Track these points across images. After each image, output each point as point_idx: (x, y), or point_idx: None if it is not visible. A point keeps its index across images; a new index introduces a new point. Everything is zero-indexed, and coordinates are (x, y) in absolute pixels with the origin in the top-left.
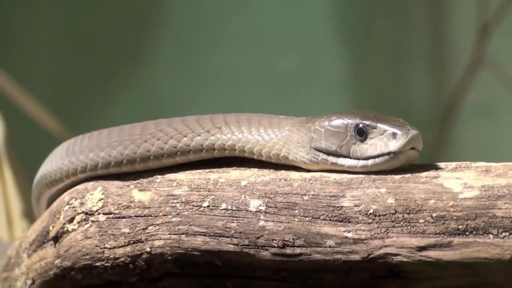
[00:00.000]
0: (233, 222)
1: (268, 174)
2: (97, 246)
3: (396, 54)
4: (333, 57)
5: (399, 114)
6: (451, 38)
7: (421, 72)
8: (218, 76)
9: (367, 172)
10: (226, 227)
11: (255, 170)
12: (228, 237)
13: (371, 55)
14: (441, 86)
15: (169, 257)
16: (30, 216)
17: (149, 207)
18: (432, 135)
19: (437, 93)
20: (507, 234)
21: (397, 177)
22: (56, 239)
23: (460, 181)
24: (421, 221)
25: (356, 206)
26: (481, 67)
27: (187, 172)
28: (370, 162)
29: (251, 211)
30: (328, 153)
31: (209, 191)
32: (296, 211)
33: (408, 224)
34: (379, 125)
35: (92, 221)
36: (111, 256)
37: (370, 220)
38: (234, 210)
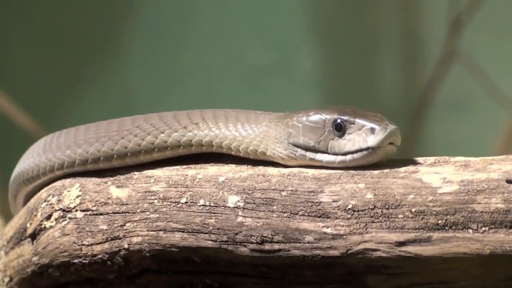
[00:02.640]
0: (211, 218)
1: (246, 170)
2: (74, 243)
3: (368, 48)
4: (305, 52)
5: (371, 109)
6: (423, 32)
7: (393, 66)
8: (190, 70)
9: (346, 167)
10: (204, 223)
11: (233, 166)
12: (206, 233)
13: (343, 49)
14: (413, 81)
15: (147, 254)
16: (5, 213)
17: (127, 204)
18: (405, 129)
19: (409, 88)
20: (487, 229)
21: (376, 172)
22: (34, 236)
23: (439, 176)
24: (400, 216)
25: (334, 201)
26: (453, 61)
27: (165, 168)
28: (348, 157)
29: (229, 207)
30: (306, 148)
31: (187, 187)
32: (275, 207)
33: (387, 219)
34: (357, 120)
35: (70, 218)
36: (89, 253)
37: (349, 216)
38: (212, 206)
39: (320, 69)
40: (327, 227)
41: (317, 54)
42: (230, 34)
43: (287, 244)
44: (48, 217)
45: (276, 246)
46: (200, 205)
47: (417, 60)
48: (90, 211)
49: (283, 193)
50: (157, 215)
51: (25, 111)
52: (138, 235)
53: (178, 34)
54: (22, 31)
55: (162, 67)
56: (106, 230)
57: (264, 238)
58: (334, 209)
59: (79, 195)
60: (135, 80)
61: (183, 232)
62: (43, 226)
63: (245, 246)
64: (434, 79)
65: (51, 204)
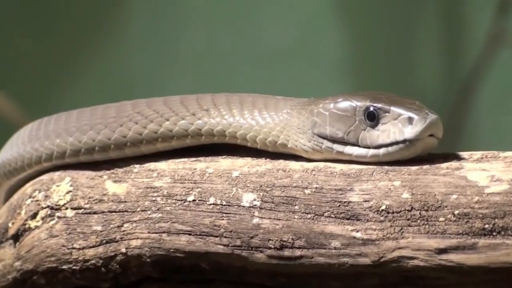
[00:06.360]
0: (223, 219)
1: (263, 164)
2: (64, 246)
3: (404, 29)
4: (331, 33)
5: (408, 95)
6: (467, 11)
7: (432, 50)
8: (198, 52)
9: (379, 162)
10: (215, 225)
11: (248, 159)
12: (216, 236)
13: (375, 30)
14: (456, 65)
15: (148, 259)
16: None
17: (125, 201)
18: (447, 119)
19: (451, 73)
20: None
21: (414, 168)
22: (16, 237)
23: (486, 173)
24: (441, 219)
25: (366, 201)
26: (500, 46)
27: (170, 161)
28: (382, 151)
29: (243, 206)
30: (334, 140)
31: (195, 183)
32: (296, 207)
33: (426, 222)
34: (392, 108)
35: (59, 217)
36: (80, 258)
37: (382, 218)
38: (224, 205)
39: (349, 51)
40: (357, 231)
41: (346, 36)
42: (246, 12)
43: (310, 250)
44: (34, 216)
45: (298, 252)
46: (210, 204)
47: (461, 43)
48: (83, 209)
49: (307, 191)
50: (160, 215)
51: (10, 97)
52: (137, 238)
53: (185, 10)
54: (9, 7)
55: (166, 47)
56: (101, 231)
57: (284, 243)
58: (365, 210)
59: (70, 191)
60: (135, 61)
61: (190, 234)
62: (27, 226)
63: (261, 251)
64: (480, 63)
65: (37, 200)
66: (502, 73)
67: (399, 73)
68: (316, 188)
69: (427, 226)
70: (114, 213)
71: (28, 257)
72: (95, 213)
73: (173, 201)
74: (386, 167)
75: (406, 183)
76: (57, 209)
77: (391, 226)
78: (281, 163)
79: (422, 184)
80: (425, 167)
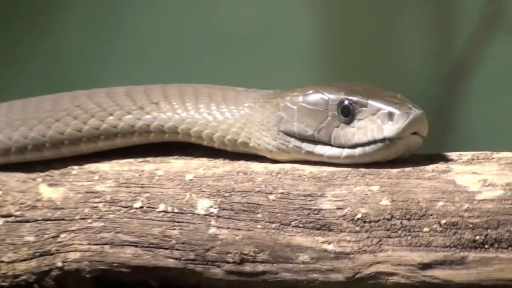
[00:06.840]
0: (175, 229)
1: (221, 166)
2: None
3: (387, 10)
4: (302, 14)
5: (390, 87)
6: None
7: (420, 33)
8: (148, 38)
9: (354, 164)
10: (165, 236)
11: (204, 160)
12: (167, 248)
13: (353, 11)
14: (445, 51)
15: (88, 275)
16: None
17: (62, 208)
18: (434, 114)
19: (440, 60)
20: None
21: (394, 171)
22: None
23: (478, 177)
24: (426, 229)
25: (339, 209)
26: (496, 27)
27: (114, 161)
28: (357, 151)
29: (198, 214)
30: (302, 138)
31: (142, 187)
32: (259, 215)
33: (408, 233)
34: (370, 102)
35: None
36: (10, 273)
37: (357, 228)
38: (176, 213)
39: (323, 35)
40: (329, 243)
41: (319, 16)
42: None
43: (275, 264)
44: None
45: (261, 267)
46: (160, 212)
47: (451, 26)
48: (13, 217)
49: (271, 197)
50: (102, 224)
51: None
52: (76, 250)
53: None
54: None
55: (110, 29)
56: (34, 242)
57: (245, 257)
58: (338, 219)
59: None
60: (74, 45)
61: (136, 246)
62: None
63: (218, 266)
64: (472, 48)
65: None
66: (498, 61)
67: (380, 61)
68: (282, 193)
69: (409, 238)
70: (49, 222)
71: None
72: (27, 221)
73: (117, 208)
74: (362, 169)
75: (386, 188)
76: None
77: (368, 237)
78: (242, 165)
79: (404, 189)
80: (408, 169)
